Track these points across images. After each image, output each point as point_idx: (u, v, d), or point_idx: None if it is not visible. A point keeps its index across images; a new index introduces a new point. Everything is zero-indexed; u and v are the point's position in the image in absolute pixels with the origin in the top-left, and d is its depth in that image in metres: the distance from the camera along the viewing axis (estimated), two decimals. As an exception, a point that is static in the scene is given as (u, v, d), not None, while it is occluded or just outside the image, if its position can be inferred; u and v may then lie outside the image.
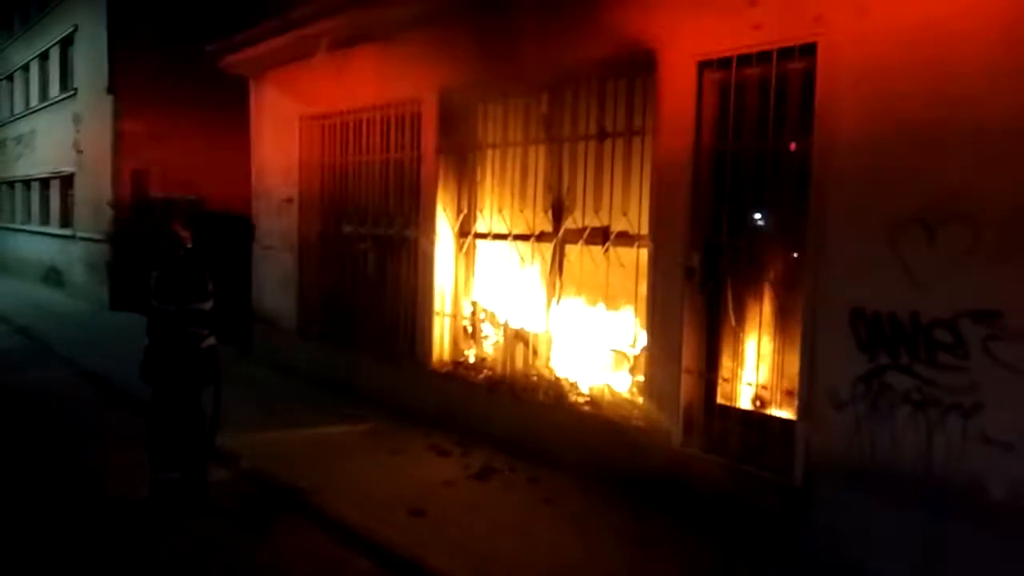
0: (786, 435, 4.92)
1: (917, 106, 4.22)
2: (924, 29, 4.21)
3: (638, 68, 5.76)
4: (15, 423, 7.66)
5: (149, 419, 5.63)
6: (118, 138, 15.19)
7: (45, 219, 20.07)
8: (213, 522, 5.30)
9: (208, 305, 5.61)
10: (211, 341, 5.63)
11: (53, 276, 18.91)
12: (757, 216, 5.28)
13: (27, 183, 21.33)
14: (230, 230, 11.02)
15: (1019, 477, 3.91)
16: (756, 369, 5.32)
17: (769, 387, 5.25)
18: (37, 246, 20.29)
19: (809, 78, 4.70)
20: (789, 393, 5.07)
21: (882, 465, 4.37)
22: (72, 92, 17.46)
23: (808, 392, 4.72)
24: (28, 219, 21.37)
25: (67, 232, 18.10)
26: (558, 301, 6.79)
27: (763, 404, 5.28)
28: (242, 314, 10.47)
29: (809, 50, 4.66)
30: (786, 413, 5.09)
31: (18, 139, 21.60)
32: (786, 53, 4.82)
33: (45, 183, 19.95)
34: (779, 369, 5.21)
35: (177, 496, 5.48)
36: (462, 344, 7.74)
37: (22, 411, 8.03)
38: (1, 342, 12.15)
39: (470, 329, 7.71)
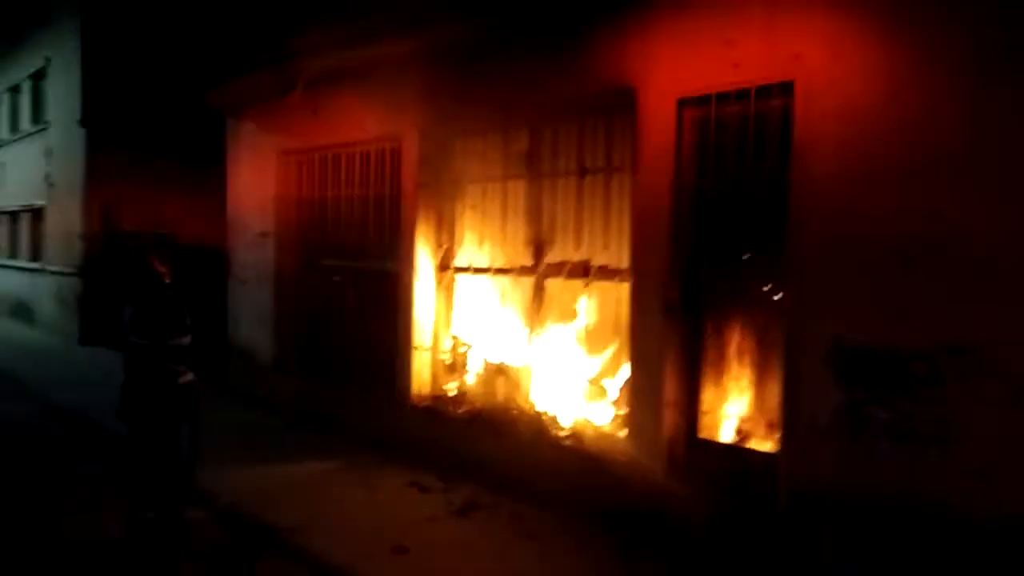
0: (769, 467, 4.96)
1: (892, 142, 4.33)
2: (896, 69, 4.34)
3: (618, 106, 5.86)
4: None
5: (126, 457, 5.52)
6: (90, 172, 15.06)
7: (14, 252, 19.76)
8: (192, 563, 5.20)
9: (187, 340, 5.55)
10: (189, 377, 5.55)
11: (21, 310, 18.58)
12: (737, 250, 5.35)
13: (-5, 216, 21.03)
14: (204, 265, 10.92)
15: (999, 507, 3.97)
16: (738, 402, 5.37)
17: (751, 420, 5.29)
18: (5, 279, 19.94)
19: (787, 115, 4.80)
20: (771, 426, 5.12)
21: (865, 496, 4.41)
22: (44, 125, 17.31)
23: (790, 425, 4.77)
24: (-4, 253, 21.04)
25: (36, 266, 17.83)
26: (539, 335, 6.81)
27: (745, 437, 5.32)
28: (218, 349, 10.35)
29: (787, 89, 4.76)
30: (768, 446, 5.13)
31: (-13, 172, 21.32)
32: (765, 91, 4.93)
33: (14, 216, 19.67)
34: (761, 402, 5.26)
35: (155, 536, 5.36)
36: (442, 378, 7.71)
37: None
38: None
39: (450, 363, 7.69)
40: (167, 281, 5.58)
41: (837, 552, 4.52)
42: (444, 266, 7.64)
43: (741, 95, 5.05)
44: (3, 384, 11.32)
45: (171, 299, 5.55)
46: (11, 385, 11.16)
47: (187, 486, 5.59)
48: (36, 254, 18.12)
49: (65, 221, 16.04)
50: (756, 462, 5.12)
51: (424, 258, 7.65)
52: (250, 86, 9.41)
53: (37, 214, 17.99)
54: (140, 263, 5.69)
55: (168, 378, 5.42)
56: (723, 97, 5.13)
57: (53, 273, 16.64)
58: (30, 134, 18.23)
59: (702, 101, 5.25)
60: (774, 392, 5.05)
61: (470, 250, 7.49)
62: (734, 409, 5.40)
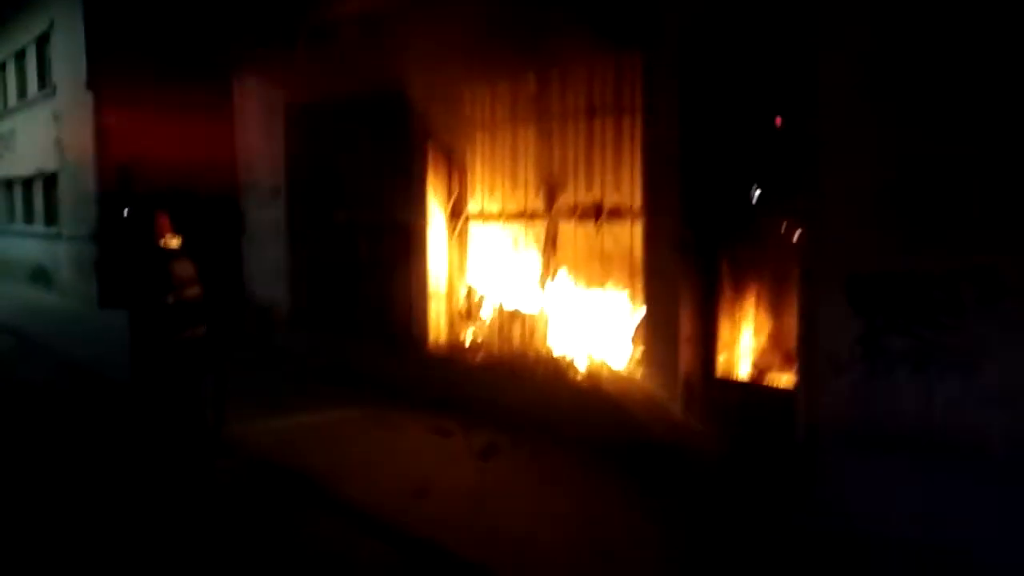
0: (786, 402, 4.96)
1: (905, 67, 4.24)
2: None
3: (625, 42, 5.76)
4: (13, 420, 7.62)
5: (145, 411, 5.58)
6: (100, 134, 15.04)
7: (29, 219, 19.87)
8: (220, 510, 5.31)
9: (186, 295, 5.47)
10: (200, 331, 5.55)
11: (40, 276, 18.76)
12: (749, 185, 5.30)
13: (9, 184, 21.10)
14: (220, 221, 10.96)
15: (1018, 432, 3.97)
16: (754, 337, 5.36)
17: (768, 355, 5.30)
18: (23, 246, 20.10)
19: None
20: (788, 359, 5.12)
21: (884, 426, 4.41)
22: (51, 90, 17.26)
23: (807, 357, 4.75)
24: (12, 219, 21.16)
25: (53, 231, 17.94)
26: (553, 279, 6.80)
27: (762, 372, 5.33)
28: (236, 304, 10.44)
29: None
30: (786, 380, 5.14)
31: (-2, 140, 21.37)
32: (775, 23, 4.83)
33: (28, 183, 19.74)
34: (777, 336, 5.26)
35: (183, 485, 5.47)
36: (458, 326, 7.76)
37: (20, 408, 7.99)
38: (-8, 343, 12.08)
39: (466, 311, 7.72)
40: (169, 236, 5.54)
41: (855, 484, 4.54)
42: (456, 214, 7.62)
43: (750, 28, 4.94)
44: (27, 347, 11.49)
45: (162, 257, 5.48)
46: (35, 349, 11.33)
47: (216, 436, 5.68)
48: (52, 219, 18.22)
49: (78, 185, 16.07)
50: (774, 396, 5.14)
51: (435, 207, 7.63)
52: (255, 40, 9.30)
53: (50, 179, 18.03)
54: (140, 222, 5.66)
55: (171, 333, 5.40)
56: (730, 29, 5.04)
57: (70, 238, 16.75)
58: (38, 99, 18.20)
59: (709, 35, 5.15)
60: (791, 326, 5.03)
61: (481, 197, 7.46)
62: (751, 345, 5.40)
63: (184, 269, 5.52)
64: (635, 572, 4.28)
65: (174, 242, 5.58)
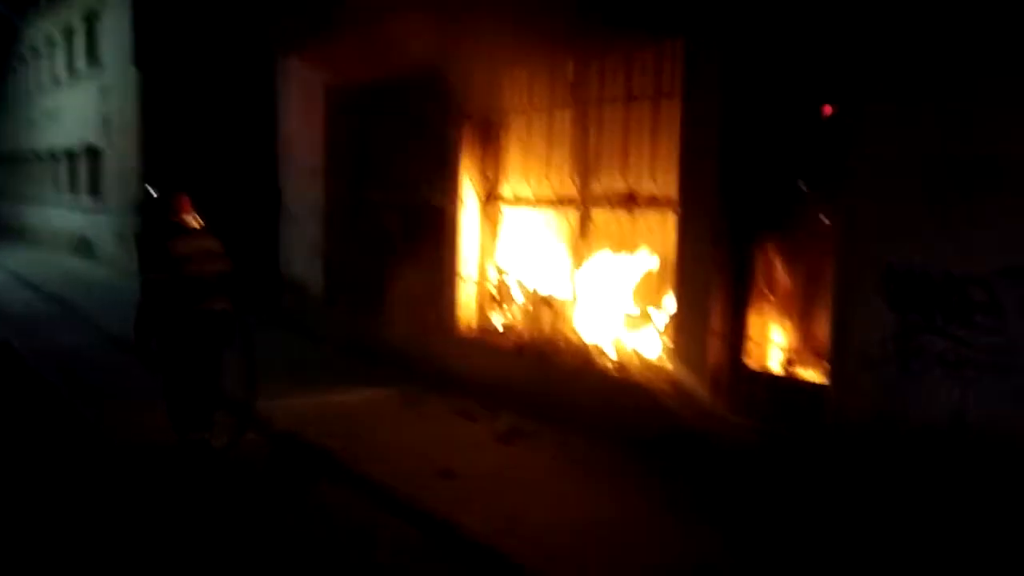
0: (816, 397, 4.90)
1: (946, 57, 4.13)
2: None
3: (666, 31, 5.69)
4: (49, 384, 7.81)
5: (167, 385, 5.63)
6: (144, 111, 15.28)
7: (74, 191, 20.31)
8: (246, 483, 5.39)
9: (191, 270, 5.48)
10: (221, 305, 5.57)
11: (83, 246, 19.17)
12: (787, 178, 5.21)
13: (56, 156, 21.57)
14: (258, 200, 11.09)
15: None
16: (785, 331, 5.29)
17: (798, 349, 5.22)
18: (67, 218, 20.55)
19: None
20: (818, 355, 5.04)
21: (915, 425, 4.34)
22: (98, 66, 17.57)
23: (838, 353, 4.68)
24: (57, 192, 21.64)
25: (96, 204, 18.32)
26: (584, 266, 6.77)
27: (792, 366, 5.26)
28: (271, 281, 10.58)
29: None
30: (816, 376, 5.07)
31: (46, 113, 21.80)
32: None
33: (73, 156, 20.16)
34: (808, 331, 5.18)
35: (206, 457, 5.55)
36: (488, 310, 7.76)
37: (56, 372, 8.18)
38: (35, 309, 12.38)
39: (496, 295, 7.72)
40: (189, 219, 5.58)
41: (883, 482, 4.47)
42: (489, 198, 7.61)
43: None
44: (70, 315, 11.77)
45: (165, 234, 5.51)
46: (77, 316, 11.60)
47: (248, 410, 5.76)
48: (95, 192, 18.60)
49: (122, 160, 16.38)
50: (803, 392, 5.07)
51: (469, 190, 7.63)
52: (297, 21, 9.36)
53: (95, 153, 18.40)
54: (156, 202, 5.72)
55: (171, 309, 5.44)
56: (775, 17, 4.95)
57: (112, 210, 17.08)
58: (86, 75, 18.53)
59: (747, 24, 5.07)
60: (823, 322, 4.96)
61: (515, 181, 7.44)
62: (782, 339, 5.33)
63: (197, 245, 5.54)
64: (651, 559, 4.26)
65: (192, 221, 5.63)
